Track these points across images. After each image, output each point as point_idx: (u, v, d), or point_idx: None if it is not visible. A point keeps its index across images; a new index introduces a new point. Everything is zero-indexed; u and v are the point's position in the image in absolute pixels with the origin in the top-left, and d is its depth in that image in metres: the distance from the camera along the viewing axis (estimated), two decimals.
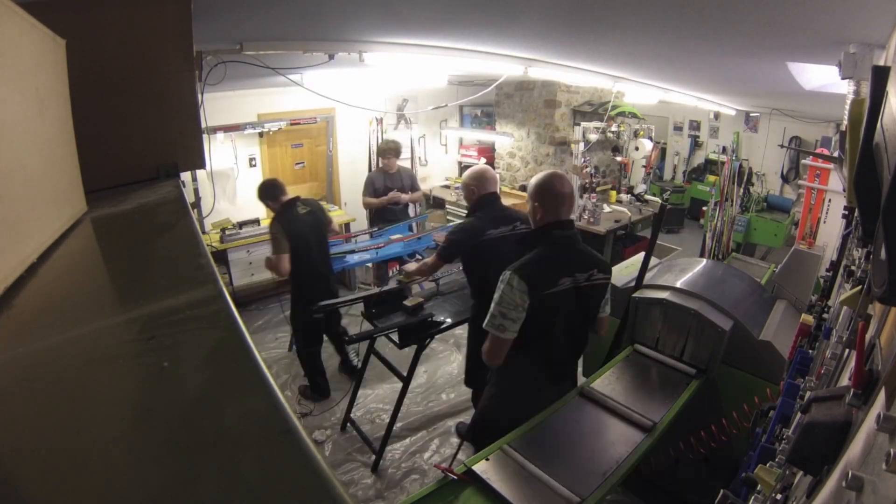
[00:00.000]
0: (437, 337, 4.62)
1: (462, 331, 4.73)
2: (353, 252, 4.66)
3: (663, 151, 9.36)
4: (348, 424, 3.54)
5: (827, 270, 2.53)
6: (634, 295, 2.86)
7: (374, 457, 3.23)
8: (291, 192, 5.93)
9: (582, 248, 2.21)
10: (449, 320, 3.25)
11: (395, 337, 3.13)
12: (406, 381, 3.20)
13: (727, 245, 5.27)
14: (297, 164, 6.04)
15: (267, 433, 0.54)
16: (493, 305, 2.05)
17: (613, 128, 5.81)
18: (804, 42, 2.08)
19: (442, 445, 3.40)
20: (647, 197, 6.48)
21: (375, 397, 3.91)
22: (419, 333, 3.14)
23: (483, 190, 2.93)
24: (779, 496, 1.00)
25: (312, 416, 3.67)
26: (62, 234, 1.05)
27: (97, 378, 0.66)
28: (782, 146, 7.01)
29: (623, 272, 3.30)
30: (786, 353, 2.33)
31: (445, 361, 4.41)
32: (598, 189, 5.87)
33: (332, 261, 3.95)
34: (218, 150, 5.03)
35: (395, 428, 3.54)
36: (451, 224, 6.43)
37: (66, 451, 0.52)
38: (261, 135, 5.55)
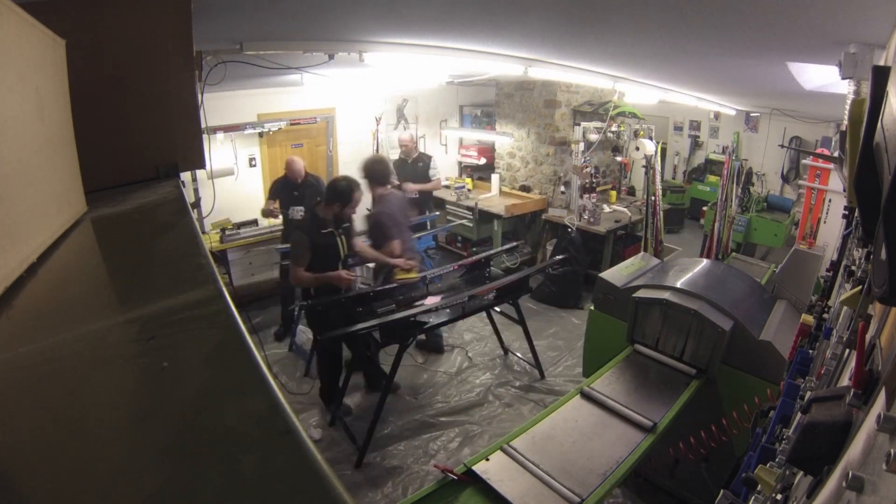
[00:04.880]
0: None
1: (467, 333, 4.75)
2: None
3: (663, 151, 9.35)
4: (336, 421, 3.56)
5: (827, 270, 2.53)
6: (635, 295, 2.86)
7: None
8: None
9: None
10: (433, 320, 3.23)
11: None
12: (389, 380, 3.19)
13: (727, 245, 5.27)
14: None
15: (267, 433, 0.54)
16: None
17: (614, 128, 5.81)
18: (804, 42, 2.08)
19: (442, 445, 3.41)
20: None
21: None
22: (401, 332, 3.12)
23: None
24: (779, 496, 1.00)
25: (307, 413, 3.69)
26: (62, 234, 1.05)
27: (97, 378, 0.66)
28: (782, 146, 7.00)
29: (623, 272, 3.30)
30: (786, 353, 2.33)
31: (446, 362, 4.41)
32: (598, 189, 5.87)
33: None
34: (218, 150, 5.03)
35: (395, 427, 3.55)
36: (450, 224, 6.44)
37: (66, 451, 0.52)
38: (261, 135, 5.55)
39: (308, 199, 4.54)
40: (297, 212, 4.49)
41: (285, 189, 4.51)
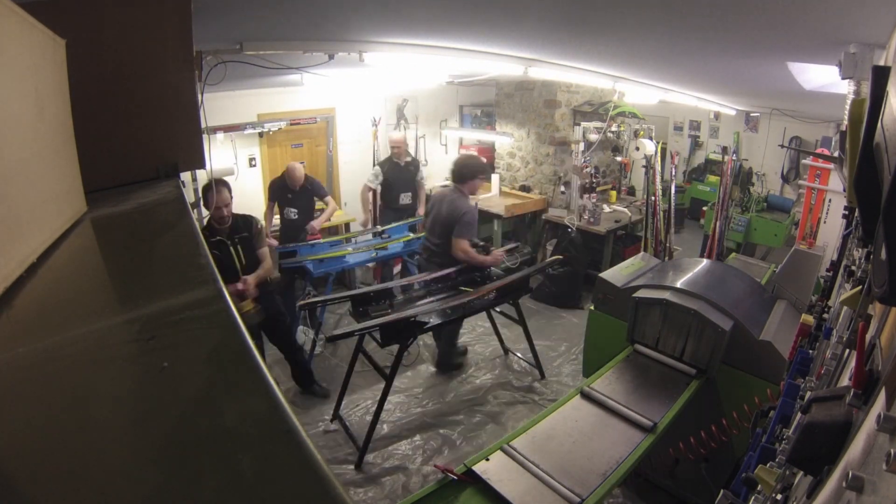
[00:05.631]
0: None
1: (467, 334, 4.75)
2: (352, 252, 4.66)
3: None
4: (336, 421, 3.56)
5: (827, 270, 2.53)
6: (635, 295, 2.86)
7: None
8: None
9: None
10: (433, 320, 3.23)
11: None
12: (389, 380, 3.19)
13: (723, 245, 5.27)
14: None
15: (267, 433, 0.54)
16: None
17: (614, 128, 5.81)
18: (804, 42, 2.08)
19: (442, 445, 3.41)
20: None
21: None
22: (401, 333, 3.12)
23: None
24: (779, 496, 1.00)
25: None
26: (62, 234, 1.05)
27: (97, 378, 0.66)
28: (782, 146, 6.99)
29: (623, 272, 3.30)
30: (786, 353, 2.33)
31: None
32: (598, 189, 5.87)
33: None
34: (218, 150, 5.03)
35: (395, 427, 3.56)
36: None
37: (66, 452, 0.52)
38: (261, 135, 5.55)
39: (303, 202, 4.80)
40: (292, 213, 4.79)
41: (281, 191, 4.77)
